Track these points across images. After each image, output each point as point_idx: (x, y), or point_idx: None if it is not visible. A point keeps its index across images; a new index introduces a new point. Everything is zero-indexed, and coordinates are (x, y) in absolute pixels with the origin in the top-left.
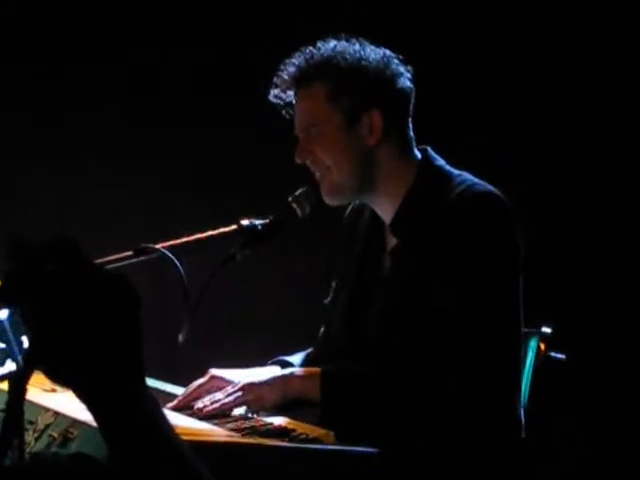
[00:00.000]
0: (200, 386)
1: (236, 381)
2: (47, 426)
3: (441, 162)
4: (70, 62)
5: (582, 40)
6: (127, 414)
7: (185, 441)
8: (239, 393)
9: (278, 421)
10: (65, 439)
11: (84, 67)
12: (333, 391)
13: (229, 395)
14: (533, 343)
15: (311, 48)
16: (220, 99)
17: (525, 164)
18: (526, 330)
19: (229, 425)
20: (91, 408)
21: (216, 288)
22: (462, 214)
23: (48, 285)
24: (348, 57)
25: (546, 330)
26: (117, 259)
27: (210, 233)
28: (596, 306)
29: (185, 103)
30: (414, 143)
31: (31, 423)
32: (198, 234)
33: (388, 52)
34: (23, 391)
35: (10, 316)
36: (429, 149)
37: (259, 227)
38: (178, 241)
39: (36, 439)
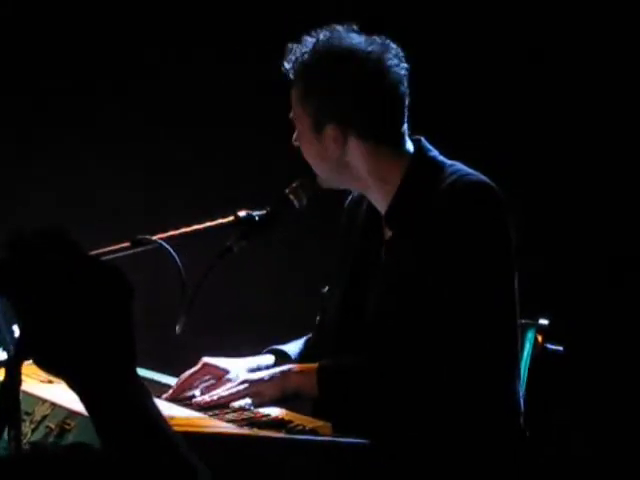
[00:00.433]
0: (192, 374)
1: (229, 369)
2: (44, 417)
3: (434, 153)
4: (70, 62)
5: (582, 39)
6: (118, 403)
7: (183, 432)
8: (239, 387)
9: (275, 413)
10: (62, 430)
11: (84, 67)
12: (330, 386)
13: (228, 389)
14: (530, 335)
15: (304, 41)
16: (218, 93)
17: (522, 154)
18: (523, 322)
19: (227, 416)
20: (82, 397)
21: (213, 279)
22: (454, 204)
23: (40, 274)
24: (320, 66)
25: (543, 322)
26: (114, 250)
27: (207, 224)
28: (593, 298)
29: (184, 98)
30: (405, 137)
31: (28, 414)
32: (195, 225)
33: (377, 47)
34: (17, 380)
35: (1, 304)
36: (423, 140)
37: (256, 218)
38: (175, 232)
39: (33, 430)
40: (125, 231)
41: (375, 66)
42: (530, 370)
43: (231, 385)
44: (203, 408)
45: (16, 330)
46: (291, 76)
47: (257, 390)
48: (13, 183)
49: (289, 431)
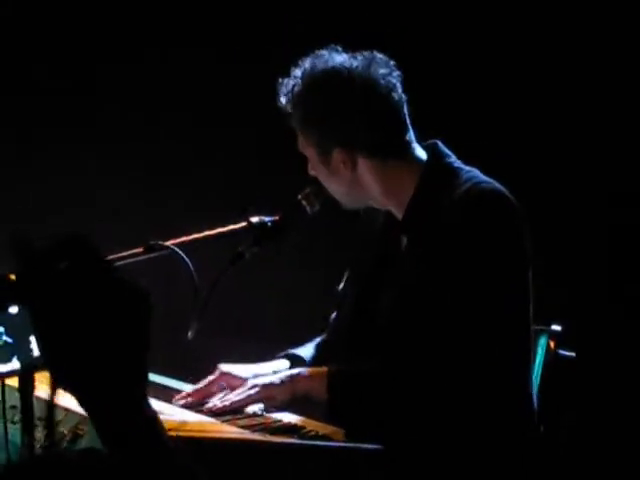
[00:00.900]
0: (210, 383)
1: (245, 377)
2: (57, 422)
3: (451, 158)
4: (70, 62)
5: (584, 39)
6: (128, 420)
7: (196, 438)
8: (250, 392)
9: (288, 418)
10: (75, 435)
11: (84, 67)
12: (340, 391)
13: (239, 394)
14: (543, 341)
15: (297, 69)
16: (218, 93)
17: (536, 160)
18: (536, 328)
19: (239, 422)
20: (91, 412)
21: (225, 284)
22: (467, 212)
23: (58, 285)
24: (314, 92)
25: (556, 328)
26: (127, 256)
27: (219, 230)
28: (606, 304)
29: (184, 98)
30: (413, 144)
31: (41, 420)
32: (207, 231)
33: (361, 59)
34: (32, 389)
35: (20, 313)
36: (439, 144)
37: (268, 224)
38: (187, 238)
39: (46, 436)
40: (125, 231)
41: (363, 80)
42: (542, 376)
43: (241, 390)
44: (215, 414)
45: (33, 340)
46: (289, 109)
47: (268, 394)
48: (13, 183)
49: (301, 437)
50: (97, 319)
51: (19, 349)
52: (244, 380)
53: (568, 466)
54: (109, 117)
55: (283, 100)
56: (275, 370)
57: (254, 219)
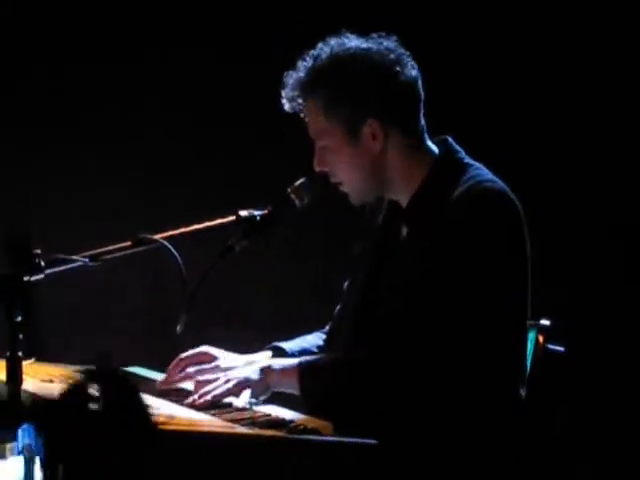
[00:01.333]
0: (186, 358)
1: (221, 359)
2: None
3: (461, 154)
4: (70, 62)
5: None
6: None
7: (184, 432)
8: (228, 386)
9: (276, 412)
10: None
11: (84, 67)
12: (310, 382)
13: (218, 388)
14: (532, 335)
15: (308, 57)
16: (229, 96)
17: (523, 156)
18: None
19: (228, 416)
20: None
21: (214, 277)
22: (466, 210)
23: (80, 421)
24: (339, 68)
25: (545, 322)
26: (116, 249)
27: (208, 224)
28: (595, 298)
29: (184, 98)
30: (425, 132)
31: None
32: (196, 225)
33: (384, 45)
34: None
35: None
36: (449, 139)
37: (257, 218)
38: (176, 232)
39: None
40: (124, 230)
41: (395, 57)
42: (531, 370)
43: (219, 383)
44: (203, 408)
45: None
46: (297, 100)
47: (243, 387)
48: (13, 183)
49: (290, 431)
50: (108, 458)
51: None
52: (214, 358)
53: (558, 460)
54: (109, 117)
55: (293, 90)
56: (255, 361)
57: (243, 213)
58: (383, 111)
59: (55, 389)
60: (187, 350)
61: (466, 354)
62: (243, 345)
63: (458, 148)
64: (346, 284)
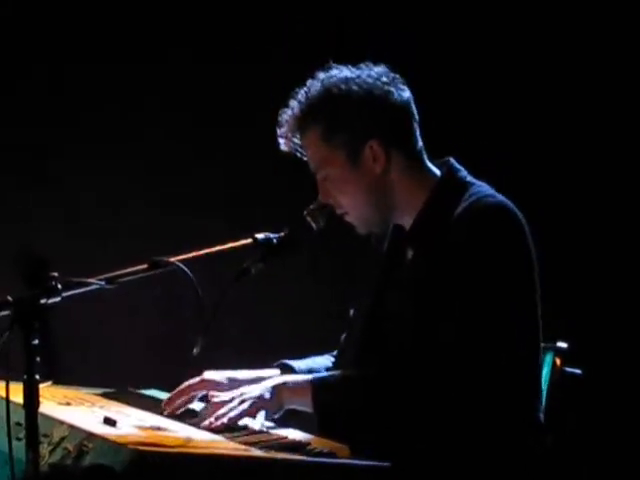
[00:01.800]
0: (190, 387)
1: (226, 383)
2: (62, 439)
3: (463, 173)
4: (70, 62)
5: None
6: None
7: (201, 455)
8: (244, 407)
9: (293, 435)
10: (80, 452)
11: (84, 67)
12: (323, 398)
13: (233, 410)
14: (549, 358)
15: (300, 91)
16: (229, 96)
17: (546, 178)
18: (542, 345)
19: (244, 439)
20: None
21: (229, 298)
22: (471, 225)
23: None
24: (335, 94)
25: (562, 345)
26: (132, 272)
27: (223, 247)
28: (612, 321)
29: (184, 98)
30: (425, 154)
31: (45, 436)
32: (211, 248)
33: (374, 71)
34: (36, 405)
35: None
36: (451, 160)
37: (274, 241)
38: (191, 255)
39: (50, 452)
40: (124, 229)
41: (387, 80)
42: (548, 393)
43: (232, 405)
44: (220, 430)
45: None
46: (295, 136)
47: (258, 407)
48: (12, 184)
49: (307, 453)
50: None
51: None
52: (224, 386)
53: None
54: (109, 117)
55: (290, 127)
56: (261, 376)
57: (259, 236)
58: (381, 132)
59: (72, 412)
60: (201, 371)
61: (476, 374)
62: (257, 367)
63: (460, 167)
64: (352, 311)
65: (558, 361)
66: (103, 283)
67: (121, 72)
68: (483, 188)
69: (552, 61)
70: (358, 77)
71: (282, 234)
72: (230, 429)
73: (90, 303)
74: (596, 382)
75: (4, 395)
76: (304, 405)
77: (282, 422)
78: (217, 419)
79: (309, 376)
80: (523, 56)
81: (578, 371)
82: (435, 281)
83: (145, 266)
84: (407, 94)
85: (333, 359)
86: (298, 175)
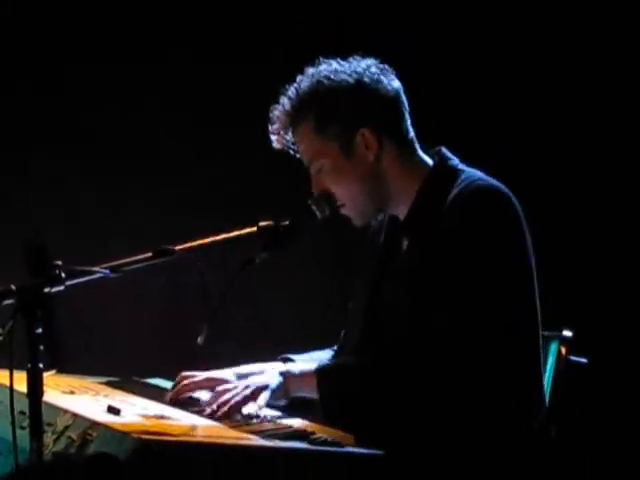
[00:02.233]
0: (196, 384)
1: (229, 379)
2: (66, 428)
3: (455, 161)
4: (70, 62)
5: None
6: None
7: (205, 443)
8: (246, 393)
9: (298, 424)
10: (84, 441)
11: (84, 67)
12: (327, 385)
13: (237, 395)
14: (554, 347)
15: (290, 87)
16: (229, 96)
17: (549, 166)
18: (546, 334)
19: (249, 427)
20: None
21: (234, 288)
22: (460, 211)
23: None
24: (325, 86)
25: (567, 334)
26: (137, 260)
27: (228, 235)
28: (617, 309)
29: (184, 98)
30: (417, 144)
31: (50, 425)
32: (215, 237)
33: (364, 62)
34: (40, 394)
35: None
36: (443, 149)
37: (278, 229)
38: (195, 243)
39: (54, 441)
40: (124, 229)
41: (376, 70)
42: (554, 382)
43: (236, 391)
44: (224, 418)
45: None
46: (287, 132)
47: (263, 395)
48: (12, 186)
49: (311, 442)
50: None
51: None
52: (222, 383)
53: (578, 471)
54: (109, 117)
55: (282, 122)
56: (263, 370)
57: (263, 224)
58: (372, 120)
59: (76, 401)
60: (208, 362)
61: (470, 361)
62: (261, 358)
63: (451, 156)
64: (350, 305)
65: (563, 350)
66: (107, 272)
67: (121, 72)
68: (475, 174)
69: (552, 61)
70: (347, 68)
71: (286, 223)
72: (235, 418)
73: (95, 291)
74: (602, 371)
75: (8, 384)
76: (310, 393)
77: (287, 411)
78: (220, 406)
79: (314, 364)
80: (523, 56)
81: (584, 360)
82: (429, 269)
83: (150, 254)
84: (397, 84)
85: (333, 352)
86: (298, 175)
